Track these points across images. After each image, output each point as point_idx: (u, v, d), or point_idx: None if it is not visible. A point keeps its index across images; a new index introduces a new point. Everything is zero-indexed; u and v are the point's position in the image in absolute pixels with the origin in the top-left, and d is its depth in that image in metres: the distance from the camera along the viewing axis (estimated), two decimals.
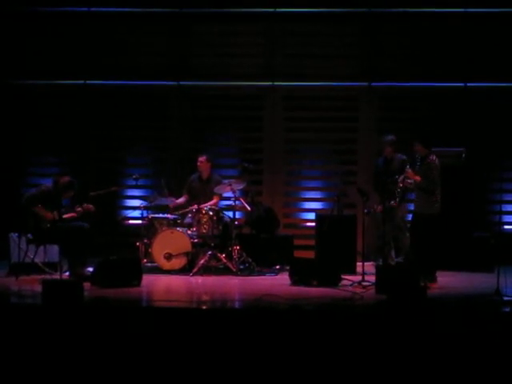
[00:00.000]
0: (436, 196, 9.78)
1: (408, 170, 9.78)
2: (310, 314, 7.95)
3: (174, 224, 11.29)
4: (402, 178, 9.78)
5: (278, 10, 12.83)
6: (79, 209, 10.28)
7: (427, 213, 9.75)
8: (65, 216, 10.22)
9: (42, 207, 10.02)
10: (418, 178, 9.73)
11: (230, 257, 10.96)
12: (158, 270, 10.97)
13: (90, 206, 10.34)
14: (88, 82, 12.96)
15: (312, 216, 12.34)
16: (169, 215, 11.42)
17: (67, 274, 10.07)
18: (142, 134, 13.03)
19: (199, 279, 10.55)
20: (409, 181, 9.81)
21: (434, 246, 9.77)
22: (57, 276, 9.95)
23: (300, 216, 13.15)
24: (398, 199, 9.90)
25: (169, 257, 10.97)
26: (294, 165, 13.13)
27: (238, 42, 12.98)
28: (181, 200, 11.59)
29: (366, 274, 9.90)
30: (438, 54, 12.65)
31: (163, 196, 11.46)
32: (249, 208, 11.44)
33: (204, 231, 11.01)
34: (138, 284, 9.73)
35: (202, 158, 11.58)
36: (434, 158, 9.86)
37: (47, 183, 10.37)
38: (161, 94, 12.99)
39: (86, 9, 12.89)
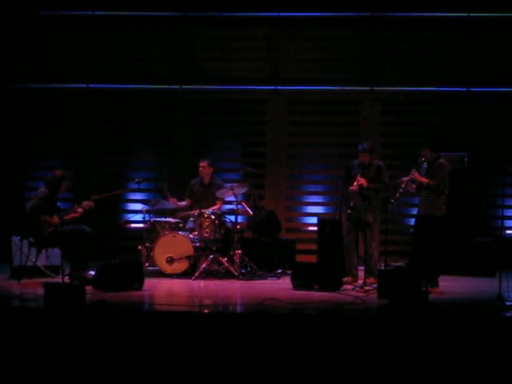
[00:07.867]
0: (443, 198, 9.76)
1: (414, 172, 9.72)
2: (312, 318, 7.93)
3: (176, 228, 11.29)
4: (406, 179, 9.71)
5: (281, 14, 12.85)
6: (79, 209, 10.24)
7: (433, 214, 9.70)
8: (66, 217, 10.20)
9: (46, 215, 10.04)
10: (424, 179, 9.69)
11: (231, 261, 10.96)
12: (160, 274, 10.97)
13: (90, 202, 10.24)
14: (91, 85, 12.99)
15: (314, 220, 12.34)
16: (171, 219, 11.43)
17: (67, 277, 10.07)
18: (145, 138, 13.06)
19: (201, 283, 10.55)
20: (413, 185, 9.78)
21: (438, 250, 9.75)
22: (59, 279, 9.94)
23: (302, 220, 13.14)
24: (396, 199, 9.80)
25: (171, 260, 10.98)
26: (296, 169, 13.12)
27: (242, 46, 12.99)
28: (183, 203, 11.59)
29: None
30: (441, 58, 12.66)
31: (166, 199, 11.46)
32: (251, 212, 11.43)
33: (206, 235, 11.01)
34: (140, 288, 9.71)
35: (203, 163, 11.56)
36: (444, 161, 9.84)
37: (41, 187, 10.35)
38: (164, 98, 13.00)
39: (89, 12, 12.92)
